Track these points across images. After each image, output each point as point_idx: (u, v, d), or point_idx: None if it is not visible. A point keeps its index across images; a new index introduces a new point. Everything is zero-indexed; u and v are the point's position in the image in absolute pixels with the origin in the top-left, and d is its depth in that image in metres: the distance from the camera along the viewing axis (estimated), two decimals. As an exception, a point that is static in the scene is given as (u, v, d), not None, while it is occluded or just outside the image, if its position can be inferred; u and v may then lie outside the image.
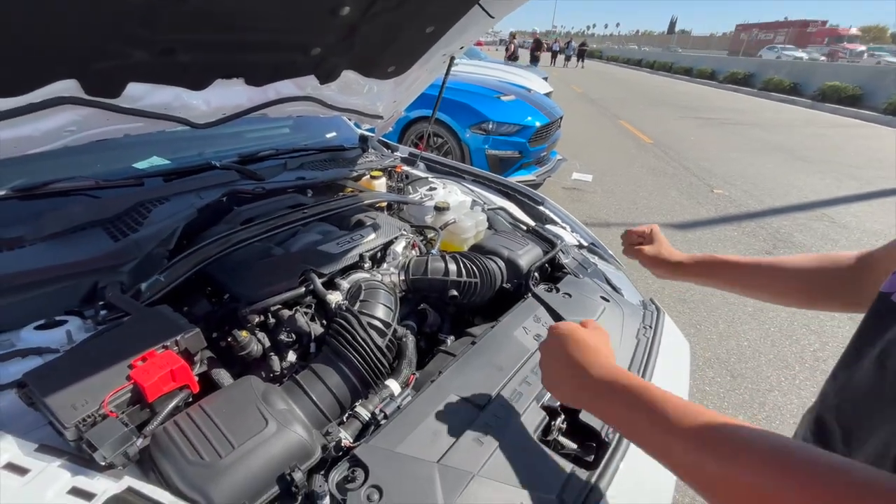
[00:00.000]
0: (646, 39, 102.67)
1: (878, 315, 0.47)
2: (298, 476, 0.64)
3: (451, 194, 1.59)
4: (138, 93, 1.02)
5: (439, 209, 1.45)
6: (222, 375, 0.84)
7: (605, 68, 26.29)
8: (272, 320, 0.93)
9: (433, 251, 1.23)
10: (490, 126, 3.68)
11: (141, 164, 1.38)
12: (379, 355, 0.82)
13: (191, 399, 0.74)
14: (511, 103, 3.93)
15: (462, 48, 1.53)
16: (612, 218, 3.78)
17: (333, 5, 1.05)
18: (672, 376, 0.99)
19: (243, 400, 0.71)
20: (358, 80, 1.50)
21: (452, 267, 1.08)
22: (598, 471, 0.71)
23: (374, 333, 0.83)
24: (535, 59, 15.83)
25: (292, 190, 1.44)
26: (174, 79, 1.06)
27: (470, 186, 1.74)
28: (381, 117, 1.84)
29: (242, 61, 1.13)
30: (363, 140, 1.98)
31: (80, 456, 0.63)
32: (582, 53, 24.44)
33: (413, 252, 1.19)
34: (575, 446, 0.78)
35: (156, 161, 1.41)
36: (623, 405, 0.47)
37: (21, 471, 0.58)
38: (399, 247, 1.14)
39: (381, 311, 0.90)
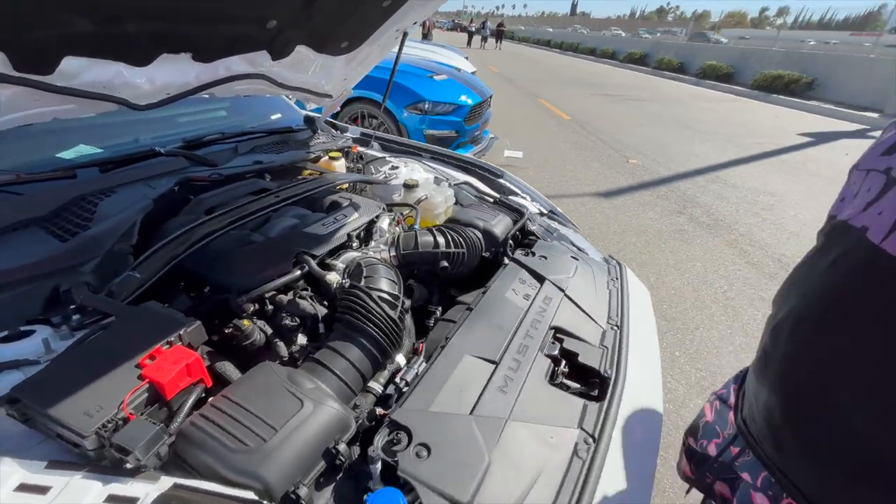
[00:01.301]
0: (550, 21, 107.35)
1: (826, 234, 0.59)
2: (343, 448, 0.66)
3: (415, 172, 1.60)
4: (74, 68, 0.90)
5: (409, 186, 1.46)
6: (227, 368, 0.81)
7: (518, 49, 27.12)
8: (269, 307, 0.90)
9: (415, 227, 1.25)
10: (426, 106, 3.68)
11: (67, 154, 1.20)
12: (394, 326, 0.84)
13: (203, 394, 0.71)
14: (444, 83, 3.95)
15: (415, 23, 1.52)
16: (547, 190, 4.02)
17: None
18: (643, 319, 1.12)
19: (270, 385, 0.70)
20: (310, 56, 1.43)
21: (441, 240, 1.11)
22: (605, 401, 0.81)
23: (385, 306, 0.85)
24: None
25: (251, 175, 1.36)
26: (116, 53, 0.95)
27: (430, 164, 1.76)
28: (329, 96, 1.77)
29: (193, 34, 1.03)
30: (310, 121, 1.89)
31: (99, 464, 0.58)
32: (500, 34, 24.71)
33: (398, 228, 1.20)
34: (579, 385, 0.88)
35: (84, 150, 1.24)
36: None
37: (41, 490, 0.53)
38: (384, 223, 1.15)
39: (386, 286, 0.91)
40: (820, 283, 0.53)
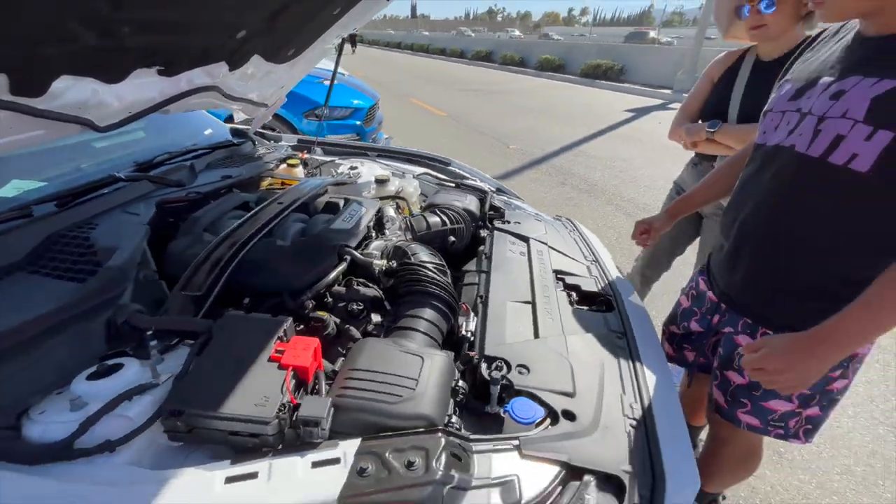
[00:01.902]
0: (393, 23, 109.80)
1: (763, 156, 0.90)
2: (462, 384, 0.79)
3: (375, 169, 1.70)
4: (59, 90, 0.82)
5: (381, 181, 1.56)
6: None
7: (372, 52, 27.31)
8: (329, 299, 0.95)
9: (415, 213, 1.36)
10: (324, 111, 3.64)
11: (3, 192, 1.02)
12: (451, 288, 0.98)
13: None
14: (336, 87, 3.94)
15: (356, 28, 1.60)
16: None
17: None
18: (604, 254, 1.43)
19: (385, 352, 0.79)
20: (260, 65, 1.42)
21: (445, 218, 1.26)
22: (617, 311, 1.07)
23: (440, 274, 0.98)
24: None
25: (224, 190, 1.32)
26: (98, 69, 0.88)
27: (381, 161, 1.86)
28: (266, 105, 1.74)
29: (170, 46, 0.99)
30: (241, 133, 1.83)
31: (275, 447, 0.62)
32: (353, 38, 24.39)
33: (400, 215, 1.30)
34: (587, 307, 1.12)
35: (21, 185, 1.06)
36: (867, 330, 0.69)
37: (250, 476, 0.57)
38: (391, 212, 1.25)
39: (431, 258, 1.04)
40: (768, 188, 0.84)
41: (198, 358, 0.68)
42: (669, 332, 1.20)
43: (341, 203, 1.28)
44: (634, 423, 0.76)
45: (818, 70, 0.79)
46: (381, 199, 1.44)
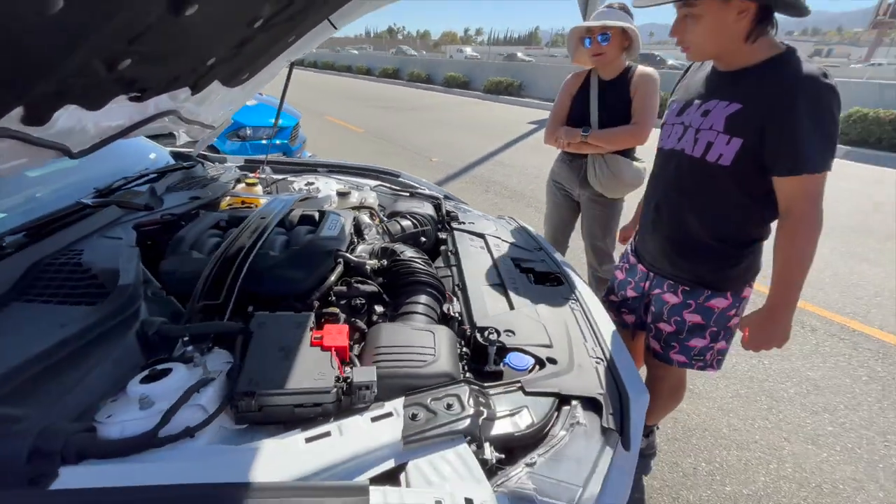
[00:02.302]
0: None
1: (664, 155, 1.21)
2: (465, 350, 0.96)
3: (330, 184, 1.80)
4: (56, 118, 0.84)
5: (343, 194, 1.67)
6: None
7: (272, 69, 26.22)
8: (333, 298, 1.06)
9: (384, 218, 1.50)
10: (247, 132, 3.57)
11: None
12: (437, 277, 1.14)
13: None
14: (258, 107, 3.87)
15: (303, 55, 1.70)
16: (382, 195, 4.45)
17: (252, 17, 1.13)
18: (547, 245, 1.69)
19: (400, 332, 0.93)
20: (217, 89, 1.45)
21: (414, 222, 1.42)
22: (566, 284, 1.31)
23: (427, 266, 1.14)
24: None
25: (194, 210, 1.34)
26: (86, 98, 0.90)
27: (334, 176, 1.95)
28: (213, 127, 1.75)
29: (152, 74, 1.03)
30: (187, 157, 1.81)
31: (334, 414, 0.74)
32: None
33: (374, 221, 1.43)
34: (543, 284, 1.36)
35: None
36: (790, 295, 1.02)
37: (322, 435, 0.69)
38: (366, 219, 1.37)
39: (417, 254, 1.19)
40: (671, 179, 1.14)
41: (248, 354, 0.76)
42: (609, 301, 1.48)
43: (316, 215, 1.37)
44: (598, 360, 0.99)
45: (692, 94, 1.12)
46: (357, 209, 1.56)
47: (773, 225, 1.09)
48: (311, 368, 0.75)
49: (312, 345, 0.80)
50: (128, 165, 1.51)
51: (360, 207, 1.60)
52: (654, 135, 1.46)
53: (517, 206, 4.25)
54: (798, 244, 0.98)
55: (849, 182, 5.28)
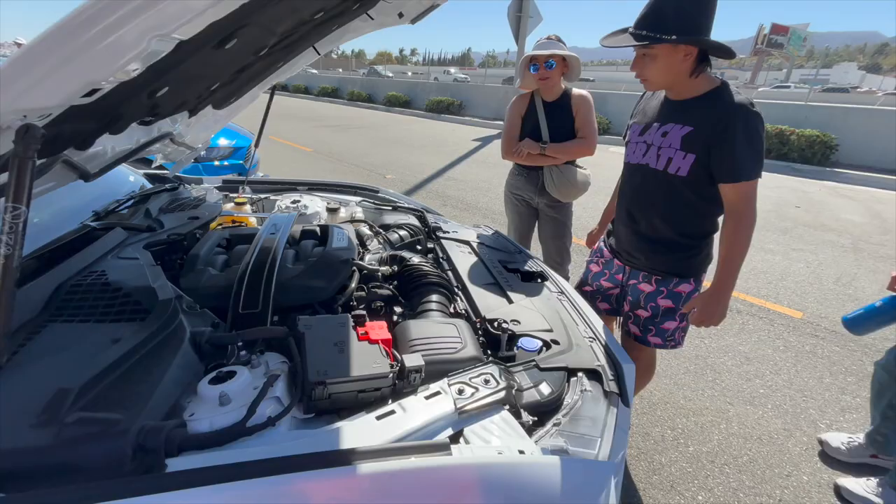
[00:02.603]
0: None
1: (631, 168, 1.44)
2: (481, 339, 1.10)
3: (315, 201, 1.86)
4: (94, 142, 0.88)
5: (332, 210, 1.75)
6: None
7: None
8: (353, 302, 1.15)
9: (380, 230, 1.59)
10: (201, 153, 3.46)
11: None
12: (445, 277, 1.26)
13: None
14: (208, 128, 3.77)
15: (286, 77, 1.77)
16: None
17: (259, 46, 1.21)
18: (525, 248, 1.87)
19: (426, 326, 1.04)
20: (208, 112, 1.48)
21: (408, 233, 1.54)
22: (550, 280, 1.49)
23: (434, 268, 1.26)
24: None
25: (197, 229, 1.36)
26: (114, 124, 0.94)
27: (317, 194, 2.01)
28: (196, 149, 1.76)
29: (169, 101, 1.07)
30: (159, 179, 1.79)
31: (390, 396, 0.84)
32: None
33: (373, 232, 1.52)
34: (531, 281, 1.53)
35: None
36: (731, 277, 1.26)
37: (388, 413, 0.79)
38: (366, 231, 1.46)
39: (423, 259, 1.30)
40: (641, 185, 1.36)
41: (306, 351, 0.84)
42: (583, 291, 1.69)
43: (317, 230, 1.45)
44: (590, 339, 1.16)
45: (650, 118, 1.36)
46: (353, 222, 1.64)
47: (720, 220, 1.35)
48: (366, 359, 0.84)
49: (360, 339, 0.89)
50: (111, 187, 1.48)
51: (352, 221, 1.68)
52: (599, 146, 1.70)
53: (475, 217, 4.47)
54: (739, 235, 1.24)
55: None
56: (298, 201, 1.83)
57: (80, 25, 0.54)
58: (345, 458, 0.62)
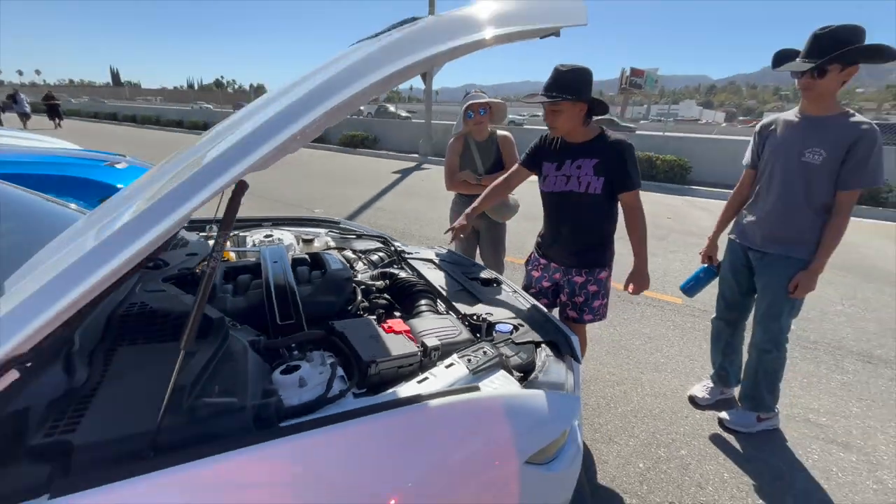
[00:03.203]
0: (90, 90, 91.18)
1: (554, 195, 1.88)
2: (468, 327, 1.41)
3: (285, 235, 2.03)
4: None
5: (307, 241, 1.94)
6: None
7: (86, 126, 22.18)
8: (360, 311, 1.38)
9: (361, 255, 1.82)
10: (126, 196, 3.32)
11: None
12: (432, 285, 1.55)
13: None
14: (129, 169, 3.61)
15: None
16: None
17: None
18: (477, 260, 2.22)
19: (429, 321, 1.32)
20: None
21: (384, 254, 1.80)
22: (504, 283, 1.85)
23: (418, 279, 1.54)
24: None
25: (203, 261, 1.49)
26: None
27: (282, 228, 2.17)
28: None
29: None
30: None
31: (418, 370, 1.10)
32: (54, 109, 18.61)
33: (354, 256, 1.75)
34: (490, 286, 1.87)
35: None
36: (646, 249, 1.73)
37: (424, 379, 1.06)
38: (350, 254, 1.69)
39: (407, 274, 1.58)
40: (567, 204, 1.80)
41: (349, 343, 1.07)
42: (528, 293, 2.08)
43: (307, 258, 1.65)
44: (543, 320, 1.53)
45: (560, 156, 1.82)
46: (333, 250, 1.85)
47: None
48: (397, 344, 1.10)
49: (387, 332, 1.14)
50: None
51: (327, 249, 1.89)
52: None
53: (410, 243, 4.76)
54: (640, 222, 1.77)
55: (633, 203, 7.35)
56: (271, 236, 1.99)
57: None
58: (417, 399, 0.88)
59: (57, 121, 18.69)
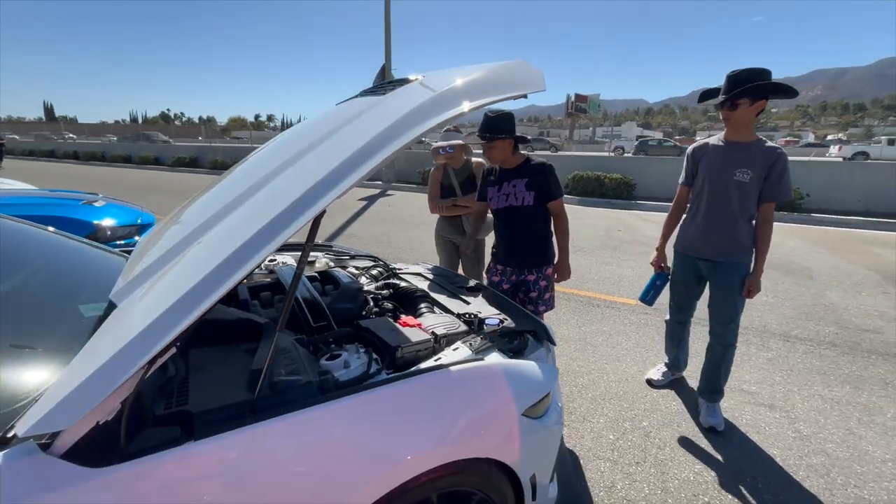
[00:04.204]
0: (24, 127, 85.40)
1: (500, 212, 2.25)
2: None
3: (286, 257, 2.26)
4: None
5: (309, 262, 2.17)
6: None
7: (29, 165, 20.78)
8: (372, 315, 1.64)
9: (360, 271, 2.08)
10: (107, 233, 3.38)
11: (89, 310, 1.19)
12: (427, 293, 1.84)
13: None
14: (108, 207, 3.68)
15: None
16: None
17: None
18: (460, 273, 2.52)
19: (433, 318, 1.59)
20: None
21: (381, 270, 2.07)
22: (484, 288, 2.17)
23: (417, 288, 1.82)
24: None
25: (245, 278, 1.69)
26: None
27: (282, 252, 2.38)
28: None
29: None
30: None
31: (431, 354, 1.37)
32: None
33: (358, 272, 2.01)
34: (475, 292, 2.18)
35: (92, 307, 1.22)
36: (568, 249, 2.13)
37: (442, 357, 1.34)
38: (353, 270, 1.94)
39: (406, 284, 1.85)
40: (512, 220, 2.18)
41: (375, 335, 1.33)
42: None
43: (318, 276, 1.89)
44: (522, 315, 1.84)
45: (500, 180, 2.22)
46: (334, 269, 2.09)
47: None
48: (413, 334, 1.37)
49: (403, 326, 1.41)
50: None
51: (335, 268, 2.14)
52: (504, 199, 2.53)
53: (385, 266, 5.01)
54: (565, 226, 2.22)
55: (585, 220, 7.99)
56: (275, 259, 2.21)
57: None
58: (439, 367, 1.16)
59: None
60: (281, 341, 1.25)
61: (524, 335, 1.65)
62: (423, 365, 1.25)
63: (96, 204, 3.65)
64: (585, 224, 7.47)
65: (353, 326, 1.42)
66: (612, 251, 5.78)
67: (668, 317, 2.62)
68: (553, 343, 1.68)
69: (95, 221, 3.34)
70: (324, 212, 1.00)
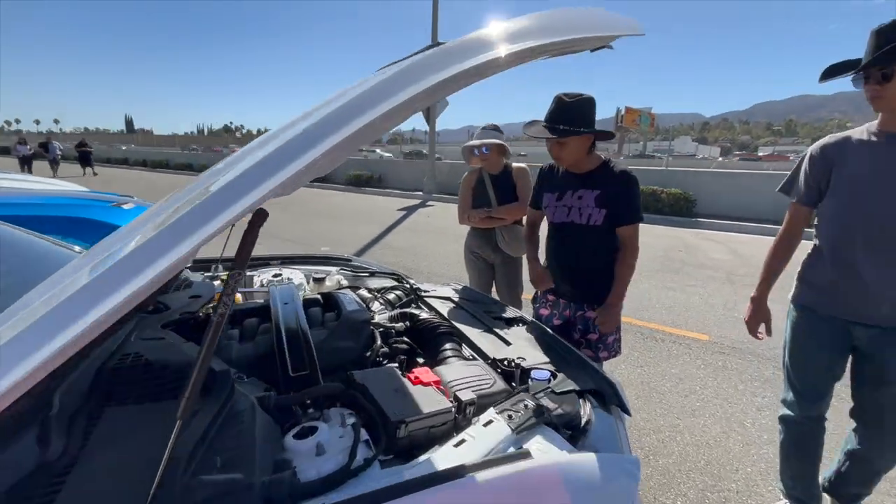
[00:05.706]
0: (108, 138, 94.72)
1: (557, 226, 1.78)
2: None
3: (295, 274, 1.92)
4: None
5: (318, 280, 1.82)
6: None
7: (121, 173, 22.73)
8: (379, 357, 1.24)
9: (377, 294, 1.70)
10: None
11: None
12: (453, 325, 1.42)
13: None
14: (135, 209, 3.57)
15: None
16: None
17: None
18: (496, 298, 2.09)
19: (459, 369, 1.17)
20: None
21: (401, 293, 1.68)
22: (529, 322, 1.71)
23: (442, 320, 1.41)
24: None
25: (208, 303, 1.37)
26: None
27: (290, 267, 2.06)
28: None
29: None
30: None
31: (453, 429, 0.95)
32: (87, 156, 18.86)
33: (370, 295, 1.63)
34: (514, 325, 1.73)
35: None
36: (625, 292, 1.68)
37: (462, 441, 0.91)
38: (366, 293, 1.56)
39: (428, 314, 1.44)
40: (570, 239, 1.72)
41: (371, 398, 0.92)
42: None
43: (320, 298, 1.52)
44: (581, 365, 1.37)
45: (562, 186, 1.74)
46: (345, 289, 1.72)
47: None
48: (426, 399, 0.95)
49: (414, 383, 1.00)
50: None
51: (345, 288, 1.77)
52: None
53: (420, 279, 4.63)
54: (632, 261, 1.71)
55: (641, 238, 7.26)
56: (280, 275, 1.88)
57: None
58: (460, 471, 0.72)
59: (89, 168, 18.86)
60: (239, 402, 0.88)
61: (585, 397, 1.19)
62: (437, 457, 0.83)
63: (125, 206, 3.57)
64: (641, 243, 6.73)
65: (345, 379, 1.02)
66: (673, 274, 5.09)
67: (785, 411, 1.64)
68: (627, 412, 1.20)
69: (121, 224, 3.24)
70: (262, 214, 0.62)
